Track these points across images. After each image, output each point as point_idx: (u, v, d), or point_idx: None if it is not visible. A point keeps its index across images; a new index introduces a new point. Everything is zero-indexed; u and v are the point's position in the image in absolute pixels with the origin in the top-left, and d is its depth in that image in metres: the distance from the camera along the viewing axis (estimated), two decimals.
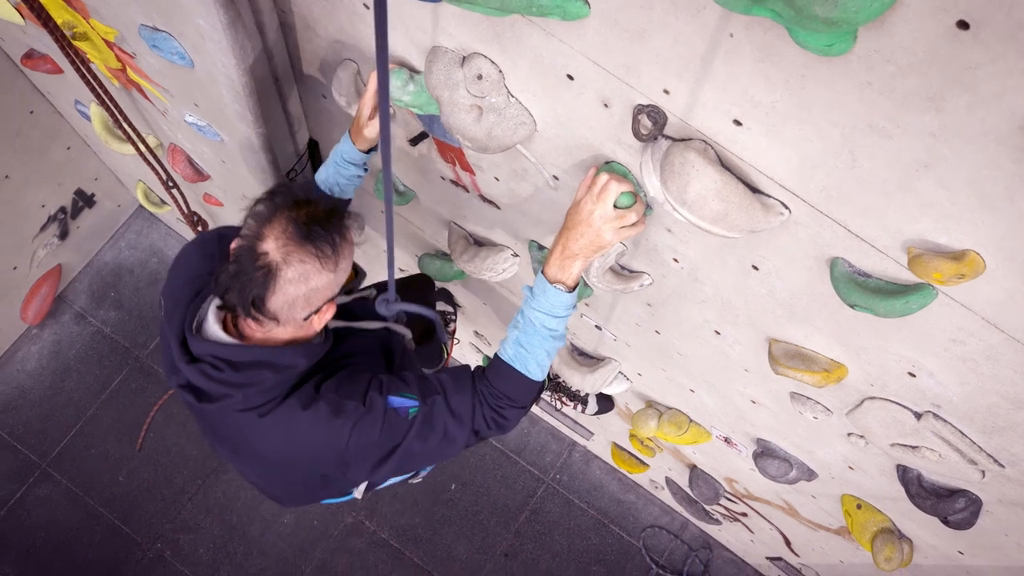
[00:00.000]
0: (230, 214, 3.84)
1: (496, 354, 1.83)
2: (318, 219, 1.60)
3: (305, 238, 1.57)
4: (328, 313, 1.71)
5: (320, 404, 1.73)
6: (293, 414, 1.73)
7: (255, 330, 1.69)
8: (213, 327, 1.71)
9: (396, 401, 1.76)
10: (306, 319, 1.68)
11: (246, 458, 1.97)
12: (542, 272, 1.75)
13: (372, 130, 2.03)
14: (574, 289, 1.74)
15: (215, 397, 1.70)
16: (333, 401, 1.74)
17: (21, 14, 2.83)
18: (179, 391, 1.74)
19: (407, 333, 2.14)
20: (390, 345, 2.07)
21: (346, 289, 1.78)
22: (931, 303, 1.39)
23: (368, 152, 2.10)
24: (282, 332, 1.70)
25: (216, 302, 1.72)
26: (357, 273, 1.93)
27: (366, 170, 2.16)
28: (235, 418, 1.76)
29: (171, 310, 1.79)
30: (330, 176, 2.15)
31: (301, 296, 1.61)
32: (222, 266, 1.63)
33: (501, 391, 1.79)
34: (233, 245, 1.62)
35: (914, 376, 1.66)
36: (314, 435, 1.75)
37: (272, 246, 1.57)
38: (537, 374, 1.80)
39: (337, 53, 2.15)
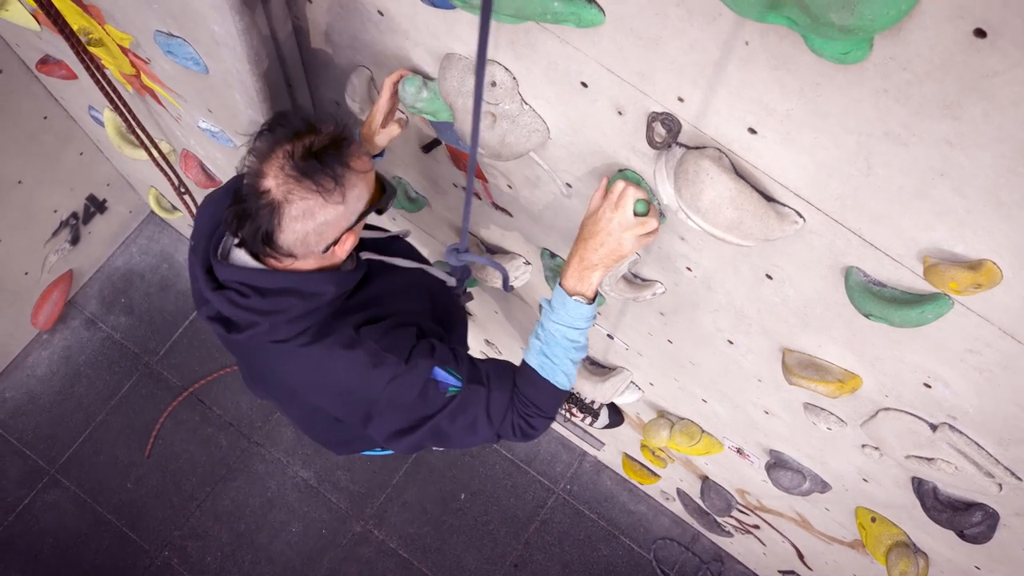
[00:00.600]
0: None
1: (524, 362, 1.80)
2: (317, 152, 1.54)
3: (304, 174, 1.52)
4: (348, 242, 1.66)
5: (359, 351, 1.71)
6: (329, 353, 1.71)
7: (276, 264, 1.66)
8: (239, 252, 1.68)
9: (440, 374, 1.73)
10: (325, 251, 1.64)
11: (279, 394, 1.96)
12: (560, 285, 1.73)
13: (383, 137, 2.00)
14: (593, 300, 1.72)
15: (243, 326, 1.68)
16: (373, 351, 1.71)
17: (37, 20, 2.85)
18: (208, 323, 1.72)
19: (449, 280, 2.11)
20: (430, 288, 2.04)
21: (377, 207, 1.71)
22: (947, 313, 1.37)
23: (374, 157, 2.07)
24: (305, 263, 1.66)
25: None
26: (384, 190, 1.79)
27: None
28: (266, 350, 1.74)
29: (196, 244, 1.77)
30: None
31: (311, 231, 1.58)
32: (231, 204, 1.61)
33: (530, 399, 1.77)
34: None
35: (929, 387, 1.65)
36: (347, 379, 1.74)
37: (272, 183, 1.53)
38: (564, 383, 1.78)
39: (350, 59, 2.16)
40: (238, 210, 1.58)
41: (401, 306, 1.85)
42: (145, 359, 5.08)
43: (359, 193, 1.63)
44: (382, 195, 1.72)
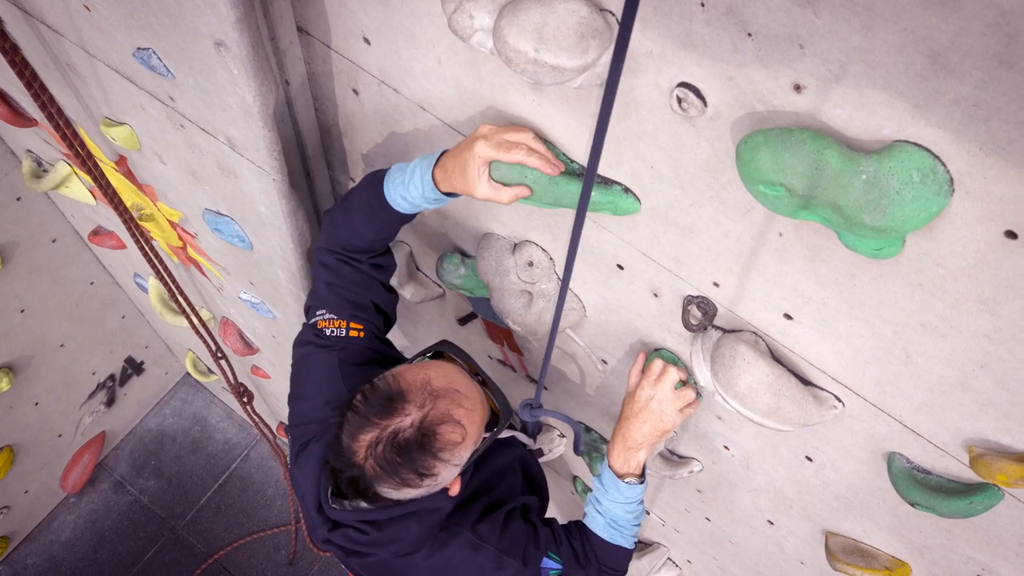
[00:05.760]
0: (277, 386, 3.88)
1: (592, 532, 1.84)
2: (400, 446, 1.41)
3: (389, 470, 1.42)
4: (455, 486, 1.58)
5: (480, 557, 1.70)
6: (450, 561, 1.69)
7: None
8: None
9: (546, 562, 1.77)
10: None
11: None
12: (609, 467, 1.77)
13: (486, 190, 1.45)
14: (643, 476, 1.76)
15: (362, 555, 1.64)
16: (494, 556, 1.70)
17: (94, 196, 2.99)
18: (323, 546, 1.66)
19: (531, 443, 2.10)
20: (522, 456, 2.02)
21: (489, 436, 1.59)
22: (997, 504, 1.33)
23: (448, 195, 1.55)
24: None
25: None
26: (496, 417, 1.63)
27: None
28: (387, 562, 1.72)
29: (303, 471, 1.67)
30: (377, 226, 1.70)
31: (409, 497, 1.50)
32: (329, 450, 1.52)
33: (610, 565, 1.84)
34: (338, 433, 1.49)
35: None
36: None
37: (362, 461, 1.44)
38: (633, 543, 1.85)
39: None
40: (334, 468, 1.51)
41: (507, 487, 1.87)
42: (171, 524, 5.00)
43: (449, 475, 1.51)
44: (494, 423, 1.61)
